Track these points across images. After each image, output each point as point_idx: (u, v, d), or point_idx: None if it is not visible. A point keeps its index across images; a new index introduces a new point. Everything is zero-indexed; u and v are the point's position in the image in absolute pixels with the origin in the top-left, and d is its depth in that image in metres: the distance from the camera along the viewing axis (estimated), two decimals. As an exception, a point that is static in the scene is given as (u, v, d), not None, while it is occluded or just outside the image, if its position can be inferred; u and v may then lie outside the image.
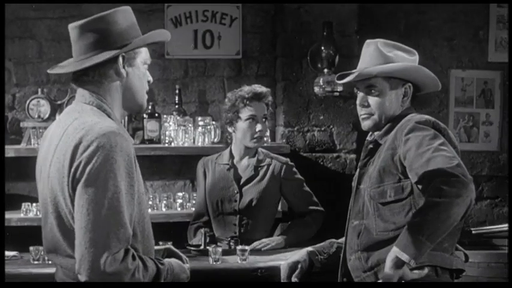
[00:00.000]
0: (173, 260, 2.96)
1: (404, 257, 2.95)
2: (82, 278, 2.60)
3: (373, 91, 3.37)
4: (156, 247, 2.98)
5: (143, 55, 2.90)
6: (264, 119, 4.60)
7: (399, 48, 3.43)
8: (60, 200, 2.69)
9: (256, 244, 4.44)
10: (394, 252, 2.98)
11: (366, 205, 3.31)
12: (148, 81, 2.95)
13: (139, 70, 2.89)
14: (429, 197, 2.99)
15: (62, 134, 2.73)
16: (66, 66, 2.87)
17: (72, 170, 2.63)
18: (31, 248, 3.97)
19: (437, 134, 3.15)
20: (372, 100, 3.37)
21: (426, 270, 3.08)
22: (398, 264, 2.97)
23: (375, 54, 3.40)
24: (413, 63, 3.40)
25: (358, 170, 3.45)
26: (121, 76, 2.83)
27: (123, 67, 2.82)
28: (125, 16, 2.86)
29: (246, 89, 4.61)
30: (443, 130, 3.21)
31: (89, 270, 2.57)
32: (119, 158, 2.62)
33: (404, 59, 3.39)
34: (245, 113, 4.56)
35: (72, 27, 2.84)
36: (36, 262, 3.89)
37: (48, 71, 2.97)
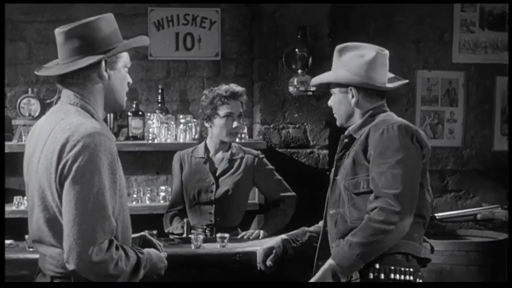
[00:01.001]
0: (152, 250, 3.05)
1: (337, 269, 3.19)
2: (70, 266, 2.70)
3: (332, 93, 3.55)
4: (132, 235, 3.07)
5: (124, 59, 2.99)
6: (239, 116, 4.66)
7: (355, 49, 3.49)
8: (48, 194, 2.77)
9: (243, 234, 4.57)
10: (330, 265, 3.22)
11: (341, 195, 3.40)
12: (128, 83, 3.03)
13: (120, 73, 2.97)
14: (367, 220, 3.20)
15: (49, 133, 2.81)
16: (52, 68, 2.94)
17: (60, 167, 2.71)
18: (26, 237, 3.97)
19: (402, 146, 3.24)
20: (332, 101, 3.55)
21: None
22: (331, 273, 3.20)
23: (334, 61, 3.55)
24: (367, 62, 3.42)
25: (335, 162, 3.54)
26: (103, 79, 2.91)
27: (106, 70, 2.90)
28: (108, 23, 2.95)
29: (224, 88, 4.66)
30: (414, 132, 3.31)
31: (77, 259, 2.67)
32: (103, 157, 2.71)
33: (354, 60, 3.45)
34: (223, 110, 4.61)
35: (59, 32, 2.91)
36: (31, 249, 3.92)
37: (35, 73, 3.03)
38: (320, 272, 3.26)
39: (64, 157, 2.72)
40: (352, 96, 3.46)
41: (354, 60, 3.46)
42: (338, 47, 3.53)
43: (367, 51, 3.47)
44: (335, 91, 3.51)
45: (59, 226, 2.75)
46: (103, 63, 2.90)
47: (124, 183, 2.94)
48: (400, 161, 3.22)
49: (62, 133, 2.76)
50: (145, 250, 2.99)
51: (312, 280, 3.31)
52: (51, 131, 2.82)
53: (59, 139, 2.75)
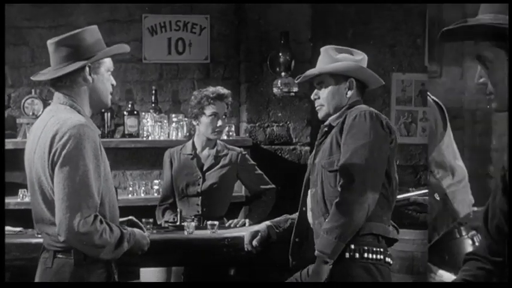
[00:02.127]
0: (135, 229, 3.33)
1: (323, 256, 3.35)
2: (61, 238, 2.99)
3: (321, 86, 3.66)
4: (121, 219, 3.35)
5: (107, 64, 3.27)
6: (224, 116, 4.81)
7: (346, 51, 3.67)
8: (43, 179, 3.07)
9: (230, 222, 4.69)
10: (317, 255, 3.38)
11: (319, 175, 3.53)
12: (112, 85, 3.30)
13: (103, 76, 3.24)
14: (334, 205, 3.35)
15: (42, 129, 3.11)
16: (46, 74, 3.23)
17: (51, 155, 3.02)
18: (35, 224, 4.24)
19: (371, 131, 3.39)
20: (322, 93, 3.65)
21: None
22: (321, 261, 3.37)
23: (324, 57, 3.68)
24: (357, 62, 3.62)
25: (315, 148, 3.67)
26: (88, 82, 3.20)
27: (89, 75, 3.19)
28: (91, 34, 3.23)
29: (211, 90, 4.79)
30: (384, 119, 3.47)
31: (66, 231, 2.96)
32: (87, 145, 3.00)
33: (349, 58, 3.62)
34: (209, 110, 4.75)
35: (50, 43, 3.21)
36: (39, 235, 3.84)
37: (31, 78, 3.34)
38: (313, 266, 3.42)
39: (54, 146, 3.02)
40: (349, 88, 3.61)
41: (352, 58, 3.64)
42: (328, 46, 3.68)
43: (357, 54, 3.68)
44: (329, 83, 3.63)
45: (54, 205, 3.03)
46: (87, 68, 3.18)
47: (109, 168, 3.21)
48: (367, 143, 3.37)
49: (52, 127, 3.06)
50: (129, 228, 3.26)
51: (309, 278, 3.48)
52: (44, 126, 3.11)
53: (50, 132, 3.05)
